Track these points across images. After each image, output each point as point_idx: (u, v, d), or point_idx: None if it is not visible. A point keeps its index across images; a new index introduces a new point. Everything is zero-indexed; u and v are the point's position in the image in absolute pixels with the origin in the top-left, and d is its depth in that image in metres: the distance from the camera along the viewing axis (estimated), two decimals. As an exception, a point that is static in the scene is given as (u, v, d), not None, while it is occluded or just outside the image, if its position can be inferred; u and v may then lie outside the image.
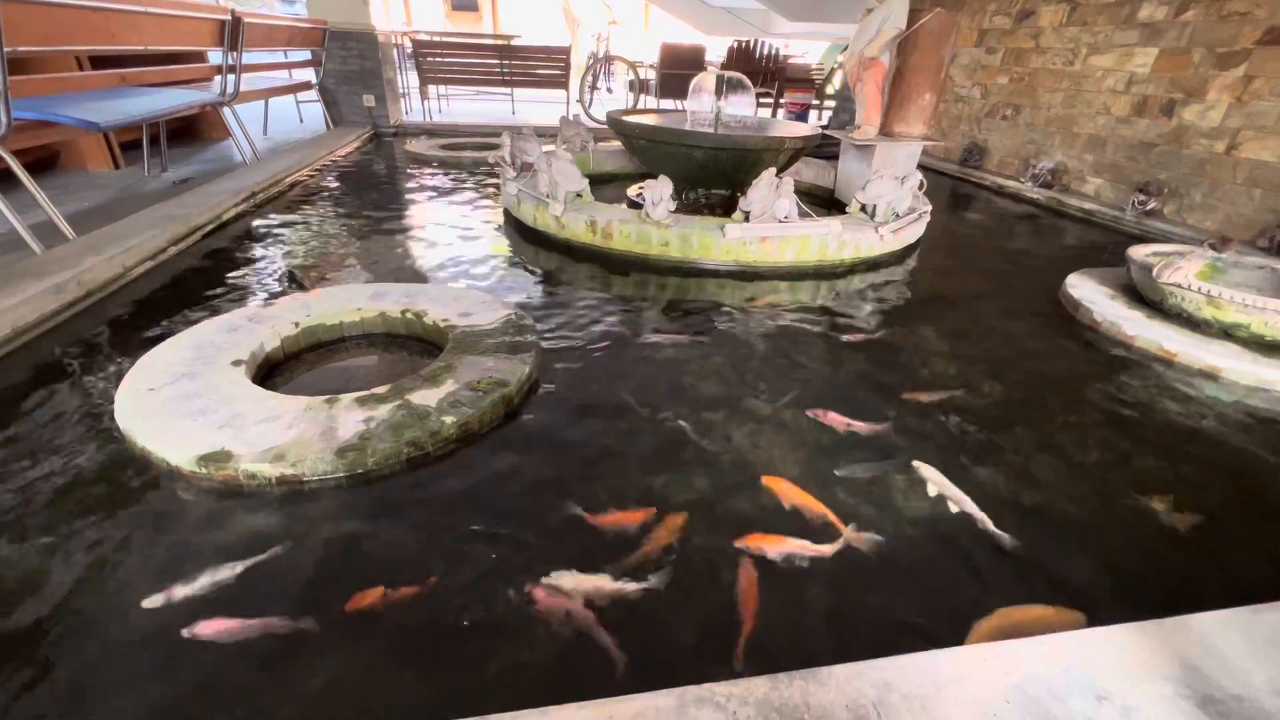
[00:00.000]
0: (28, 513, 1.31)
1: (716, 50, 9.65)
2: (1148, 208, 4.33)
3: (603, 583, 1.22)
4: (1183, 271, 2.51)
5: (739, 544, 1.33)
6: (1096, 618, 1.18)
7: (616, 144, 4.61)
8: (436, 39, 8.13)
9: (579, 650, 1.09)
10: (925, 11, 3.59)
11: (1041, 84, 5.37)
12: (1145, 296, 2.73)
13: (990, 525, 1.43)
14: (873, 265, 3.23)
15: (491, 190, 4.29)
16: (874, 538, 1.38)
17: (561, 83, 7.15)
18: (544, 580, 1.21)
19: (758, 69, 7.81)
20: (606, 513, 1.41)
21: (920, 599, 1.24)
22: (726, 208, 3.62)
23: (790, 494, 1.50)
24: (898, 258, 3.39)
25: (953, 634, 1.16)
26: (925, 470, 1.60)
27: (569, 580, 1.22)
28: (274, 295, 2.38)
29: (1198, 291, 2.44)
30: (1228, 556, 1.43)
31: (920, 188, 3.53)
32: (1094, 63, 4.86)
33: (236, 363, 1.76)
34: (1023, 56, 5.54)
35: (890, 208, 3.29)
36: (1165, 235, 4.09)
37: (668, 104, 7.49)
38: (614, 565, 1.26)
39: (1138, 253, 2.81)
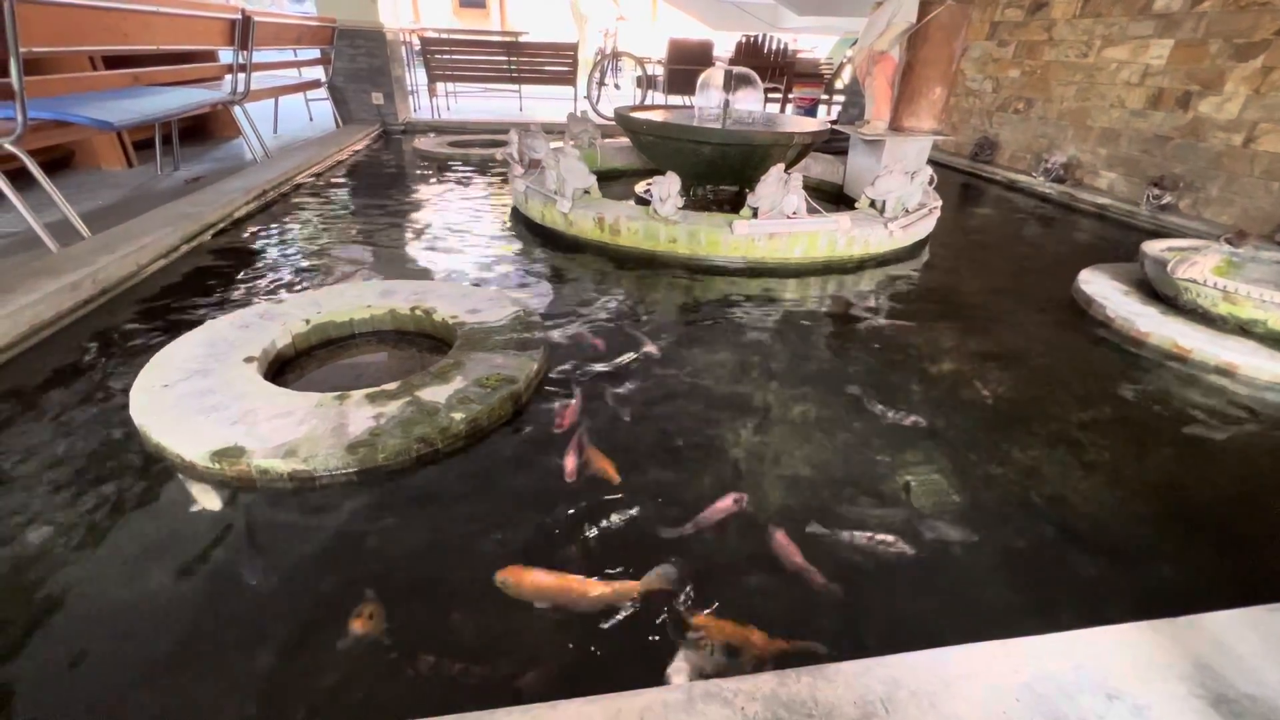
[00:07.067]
0: (43, 508, 1.33)
1: (725, 45, 9.61)
2: (1163, 202, 4.27)
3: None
4: (1198, 267, 2.47)
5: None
6: (1091, 618, 1.09)
7: (624, 140, 4.59)
8: (444, 36, 8.14)
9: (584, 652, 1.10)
10: (936, 4, 3.55)
11: (1054, 77, 5.29)
12: (1160, 292, 2.69)
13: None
14: (882, 261, 3.21)
15: (500, 187, 4.29)
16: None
17: (569, 79, 7.14)
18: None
19: (766, 64, 7.76)
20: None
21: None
22: (735, 204, 3.61)
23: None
24: (908, 254, 3.36)
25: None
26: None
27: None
28: (285, 292, 2.40)
29: (1214, 287, 2.40)
30: (1243, 554, 1.41)
31: (930, 183, 3.50)
32: (1108, 55, 4.79)
33: (248, 359, 1.78)
34: (1035, 49, 5.47)
35: (900, 203, 3.27)
36: (1180, 230, 4.02)
37: (676, 100, 7.46)
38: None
39: (1152, 248, 2.77)
